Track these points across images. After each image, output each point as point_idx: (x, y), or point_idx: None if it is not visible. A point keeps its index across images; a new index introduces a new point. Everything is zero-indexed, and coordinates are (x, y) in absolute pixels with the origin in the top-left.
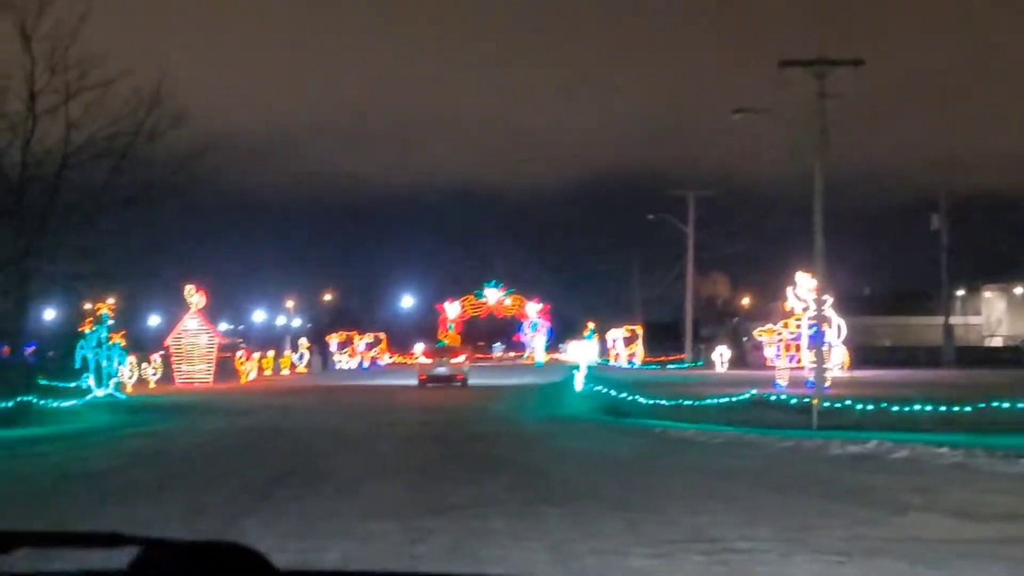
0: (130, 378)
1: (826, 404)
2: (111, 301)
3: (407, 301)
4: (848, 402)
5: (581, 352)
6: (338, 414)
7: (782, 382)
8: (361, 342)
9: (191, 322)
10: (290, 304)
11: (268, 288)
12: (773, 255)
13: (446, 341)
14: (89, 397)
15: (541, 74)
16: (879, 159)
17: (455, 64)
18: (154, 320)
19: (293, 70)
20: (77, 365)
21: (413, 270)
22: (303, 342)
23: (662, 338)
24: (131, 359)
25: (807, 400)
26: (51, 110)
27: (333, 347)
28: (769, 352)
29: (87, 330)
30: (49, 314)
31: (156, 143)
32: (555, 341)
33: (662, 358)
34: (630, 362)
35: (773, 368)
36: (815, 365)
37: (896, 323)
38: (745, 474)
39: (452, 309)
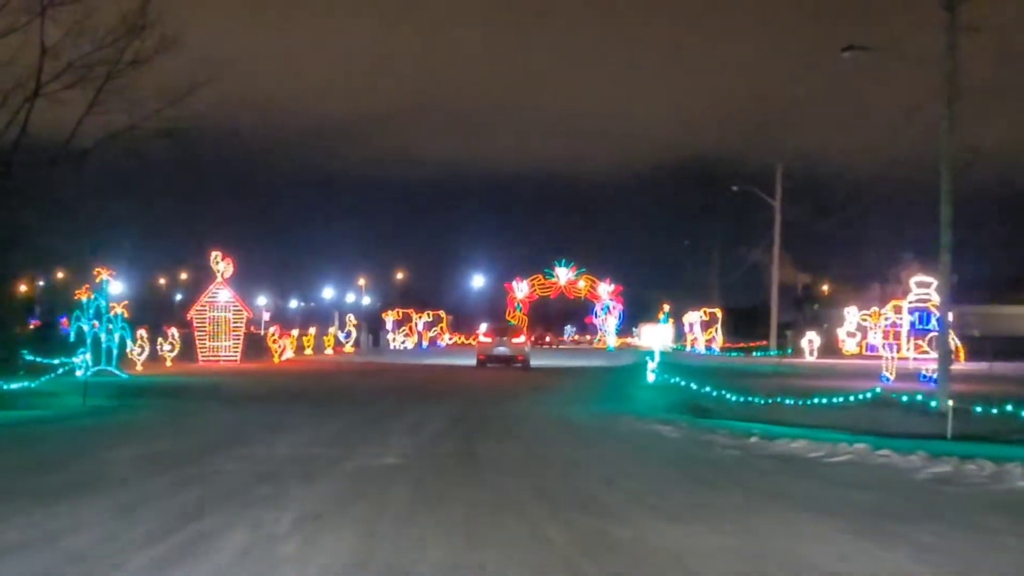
0: (140, 354)
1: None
2: (108, 268)
3: (477, 281)
4: (978, 404)
5: (655, 336)
6: (353, 403)
7: (889, 374)
8: (420, 321)
9: (218, 293)
10: (362, 282)
11: (342, 266)
12: (855, 242)
13: (513, 321)
14: (79, 375)
15: (614, 58)
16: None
17: (529, 50)
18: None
19: (376, 58)
20: (72, 339)
21: (484, 251)
22: (350, 319)
23: (741, 324)
24: (142, 333)
25: (934, 401)
26: (22, 27)
27: (389, 325)
28: (875, 340)
29: (84, 299)
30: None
31: (141, 69)
32: (627, 324)
33: (742, 344)
34: (708, 348)
35: (870, 357)
36: (923, 355)
37: (987, 312)
38: (901, 525)
39: (520, 289)
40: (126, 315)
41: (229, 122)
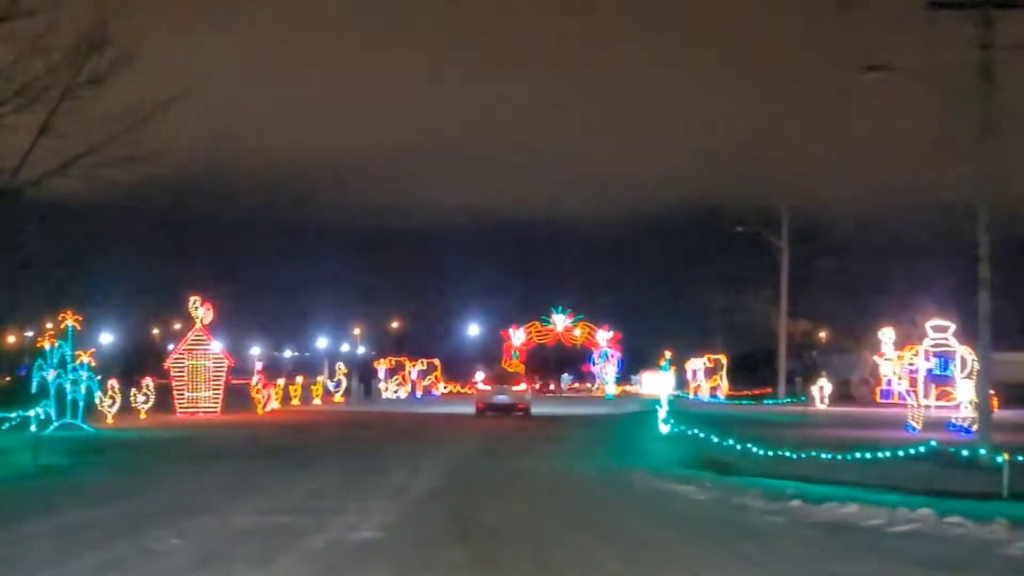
0: (111, 406)
1: (995, 456)
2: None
3: (472, 329)
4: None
5: (656, 384)
6: (336, 457)
7: (916, 424)
8: (413, 369)
9: (195, 341)
10: (356, 331)
11: (335, 315)
12: (854, 288)
13: (511, 369)
14: (33, 429)
15: (608, 105)
16: None
17: (521, 99)
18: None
19: (364, 102)
20: (34, 390)
21: (479, 299)
22: (340, 367)
23: (740, 371)
24: (112, 383)
25: (980, 453)
26: None
27: (381, 374)
28: (899, 387)
29: (46, 346)
30: None
31: (99, 89)
32: (625, 372)
33: (745, 392)
34: (712, 396)
35: (886, 405)
36: (947, 403)
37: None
38: None
39: (517, 336)
40: (92, 364)
41: (219, 171)
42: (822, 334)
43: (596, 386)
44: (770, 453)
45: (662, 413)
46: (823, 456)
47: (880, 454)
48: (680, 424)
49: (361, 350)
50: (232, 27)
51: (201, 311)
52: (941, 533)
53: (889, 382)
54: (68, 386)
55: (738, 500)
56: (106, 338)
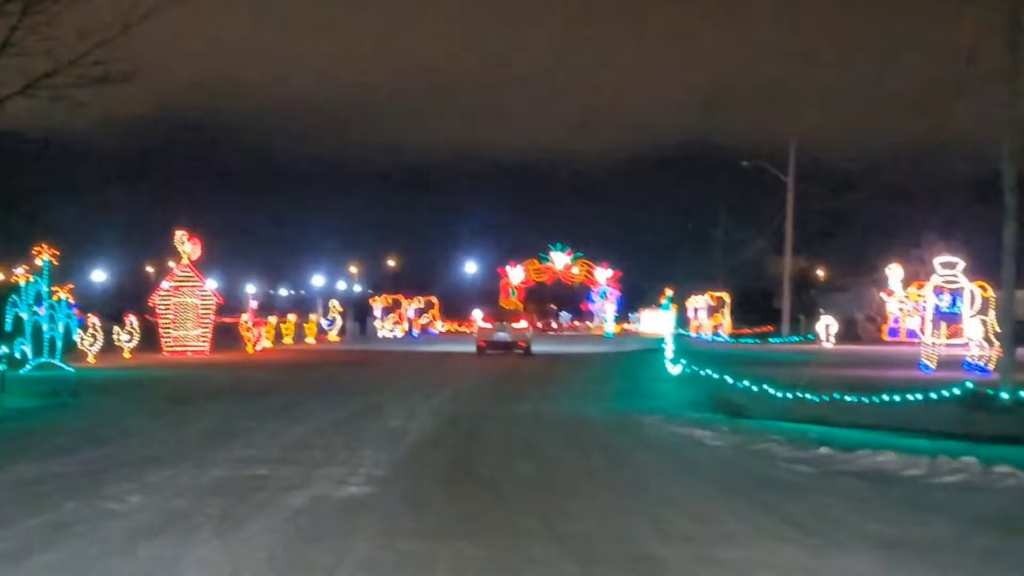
0: (92, 345)
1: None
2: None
3: (470, 267)
4: None
5: (657, 322)
6: (327, 400)
7: (930, 363)
8: (410, 307)
9: (182, 276)
10: (353, 269)
11: (332, 254)
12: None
13: (508, 307)
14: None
15: (610, 43)
16: None
17: (522, 36)
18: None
19: (364, 43)
20: (8, 328)
21: (477, 237)
22: (334, 304)
23: (738, 309)
24: (94, 320)
25: (1004, 393)
26: None
27: (377, 312)
28: (912, 324)
29: (21, 283)
30: None
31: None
32: (624, 311)
33: (747, 331)
34: (715, 334)
35: (893, 343)
36: (956, 341)
37: None
38: None
39: (515, 274)
40: (71, 300)
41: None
42: (820, 272)
43: (595, 324)
44: (788, 395)
45: (669, 352)
46: (846, 398)
47: (909, 396)
48: (689, 364)
49: (358, 289)
50: None
51: (188, 246)
52: (991, 484)
53: (896, 320)
54: (45, 325)
55: (760, 447)
56: (98, 276)
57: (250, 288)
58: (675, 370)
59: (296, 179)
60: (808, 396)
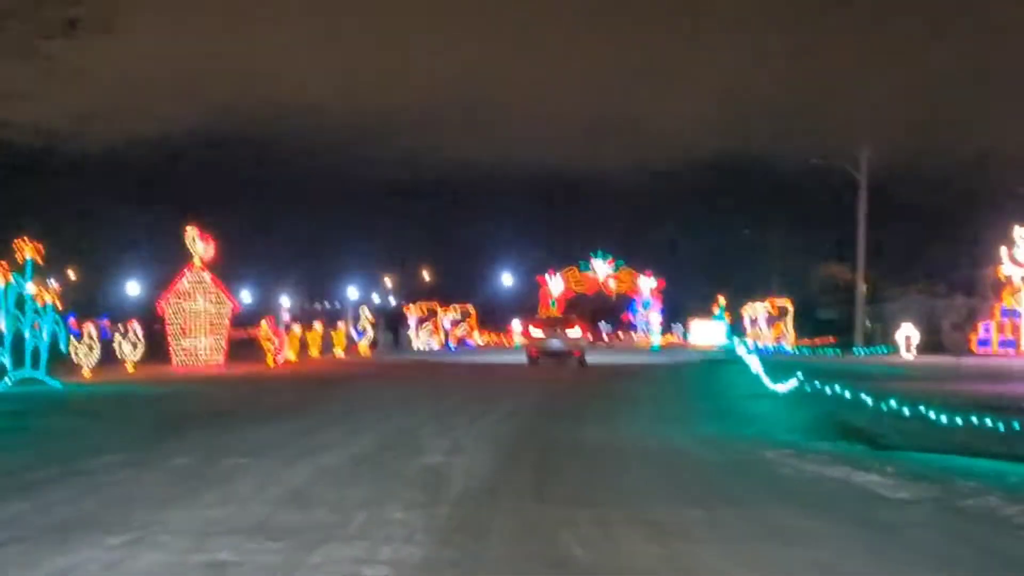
0: (87, 355)
1: None
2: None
3: (507, 279)
4: None
5: (708, 332)
6: (348, 428)
7: None
8: (446, 317)
9: (194, 280)
10: (388, 282)
11: (369, 266)
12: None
13: (558, 315)
14: None
15: (647, 55)
16: None
17: (556, 54)
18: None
19: (401, 60)
20: None
21: (513, 248)
22: (364, 312)
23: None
24: (89, 329)
25: None
26: None
27: (411, 322)
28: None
29: None
30: None
31: None
32: (666, 321)
33: (807, 341)
34: (777, 345)
35: (984, 355)
36: None
37: None
38: None
39: (555, 283)
40: (59, 306)
41: (255, 126)
42: (866, 285)
43: (639, 336)
44: (943, 419)
45: (754, 365)
46: (1000, 424)
47: None
48: (807, 379)
49: (392, 301)
50: None
51: (200, 245)
52: None
53: (988, 328)
54: (27, 333)
55: (970, 503)
56: (133, 288)
57: (284, 300)
58: (776, 386)
59: (333, 196)
60: (950, 419)
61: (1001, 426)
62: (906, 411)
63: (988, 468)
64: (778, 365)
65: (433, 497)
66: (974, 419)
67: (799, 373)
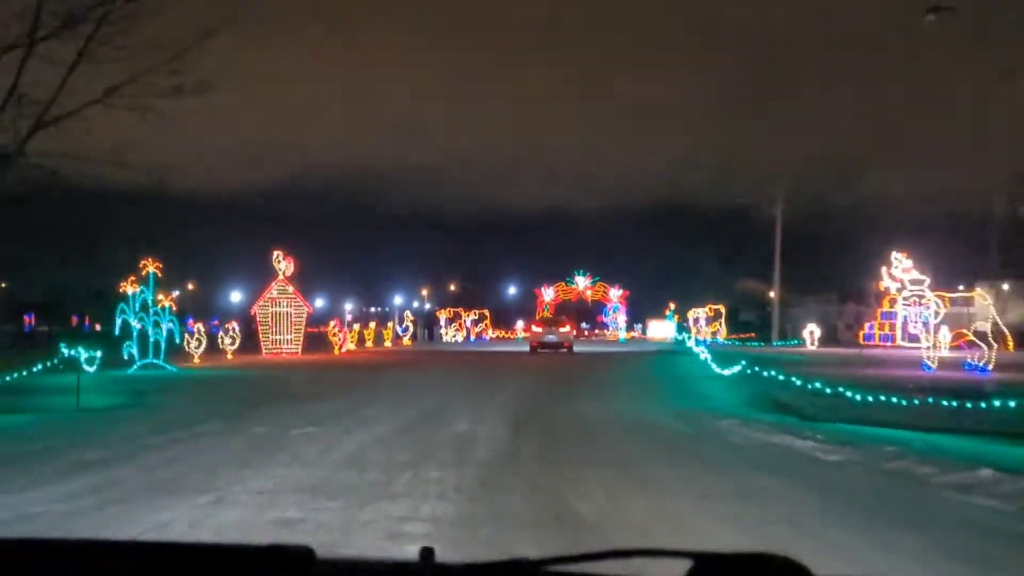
0: (197, 348)
1: None
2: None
3: (511, 290)
4: None
5: (662, 330)
6: (398, 399)
7: (932, 363)
8: (468, 318)
9: (279, 290)
10: (424, 292)
11: (409, 280)
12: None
13: (551, 316)
14: (90, 370)
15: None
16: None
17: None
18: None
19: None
20: (117, 332)
21: (518, 267)
22: (407, 314)
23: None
24: (198, 326)
25: None
26: None
27: (442, 322)
28: (915, 329)
29: (129, 291)
30: None
31: (140, 8)
32: (631, 322)
33: (734, 336)
34: (714, 339)
35: (868, 346)
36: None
37: None
38: None
39: (547, 293)
40: (174, 308)
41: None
42: (772, 293)
43: (610, 332)
44: (857, 397)
45: (703, 354)
46: (893, 399)
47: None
48: (748, 365)
49: (428, 306)
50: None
51: (283, 264)
52: None
53: (871, 326)
54: (151, 329)
55: (893, 465)
56: (235, 296)
57: (348, 305)
58: (721, 371)
59: (384, 228)
60: (878, 398)
61: (903, 402)
62: (824, 389)
63: (896, 436)
64: (719, 355)
65: (462, 460)
66: (879, 397)
67: (742, 361)
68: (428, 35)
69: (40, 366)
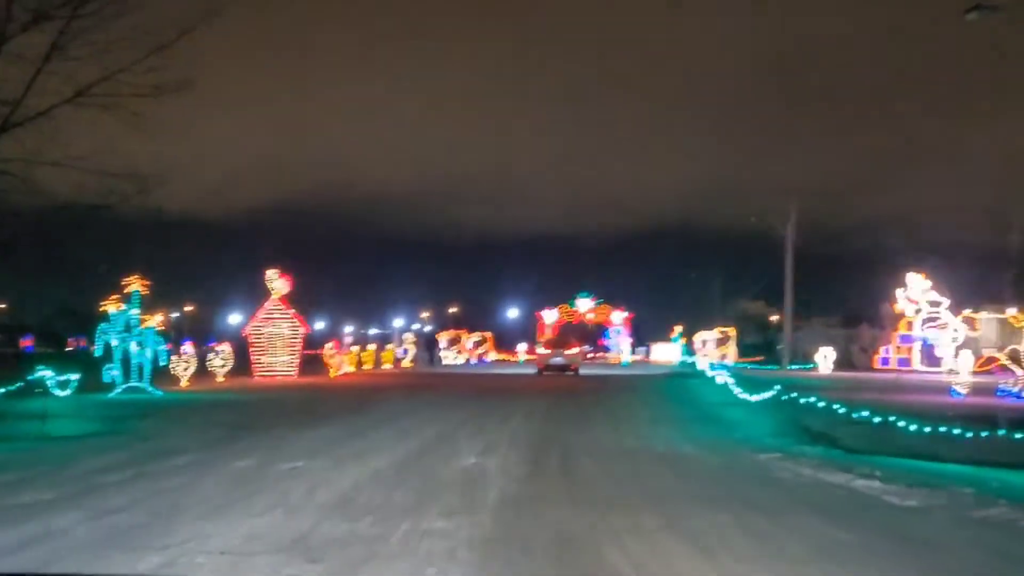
0: (185, 370)
1: None
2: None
3: (512, 312)
4: None
5: (667, 352)
6: (396, 435)
7: (962, 389)
8: (469, 340)
9: (272, 310)
10: (425, 315)
11: (410, 302)
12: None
13: (561, 337)
14: (61, 394)
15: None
16: None
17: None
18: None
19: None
20: (98, 353)
21: (519, 289)
22: (408, 337)
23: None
24: (186, 348)
25: None
26: None
27: (443, 344)
28: (944, 353)
29: (111, 311)
30: None
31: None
32: (635, 345)
33: (744, 359)
34: (722, 363)
35: (883, 371)
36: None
37: None
38: None
39: (549, 315)
40: (159, 328)
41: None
42: (774, 316)
43: (612, 355)
44: (911, 427)
45: (720, 377)
46: (953, 431)
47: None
48: (783, 391)
49: (428, 328)
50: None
51: (278, 283)
52: None
53: (887, 350)
54: (131, 350)
55: (984, 514)
56: (235, 318)
57: (347, 328)
58: (748, 396)
59: (385, 249)
60: (912, 426)
61: (967, 433)
62: (853, 416)
63: (963, 473)
64: (739, 379)
65: (472, 505)
66: (937, 427)
67: (777, 386)
68: (434, 60)
69: (2, 390)
